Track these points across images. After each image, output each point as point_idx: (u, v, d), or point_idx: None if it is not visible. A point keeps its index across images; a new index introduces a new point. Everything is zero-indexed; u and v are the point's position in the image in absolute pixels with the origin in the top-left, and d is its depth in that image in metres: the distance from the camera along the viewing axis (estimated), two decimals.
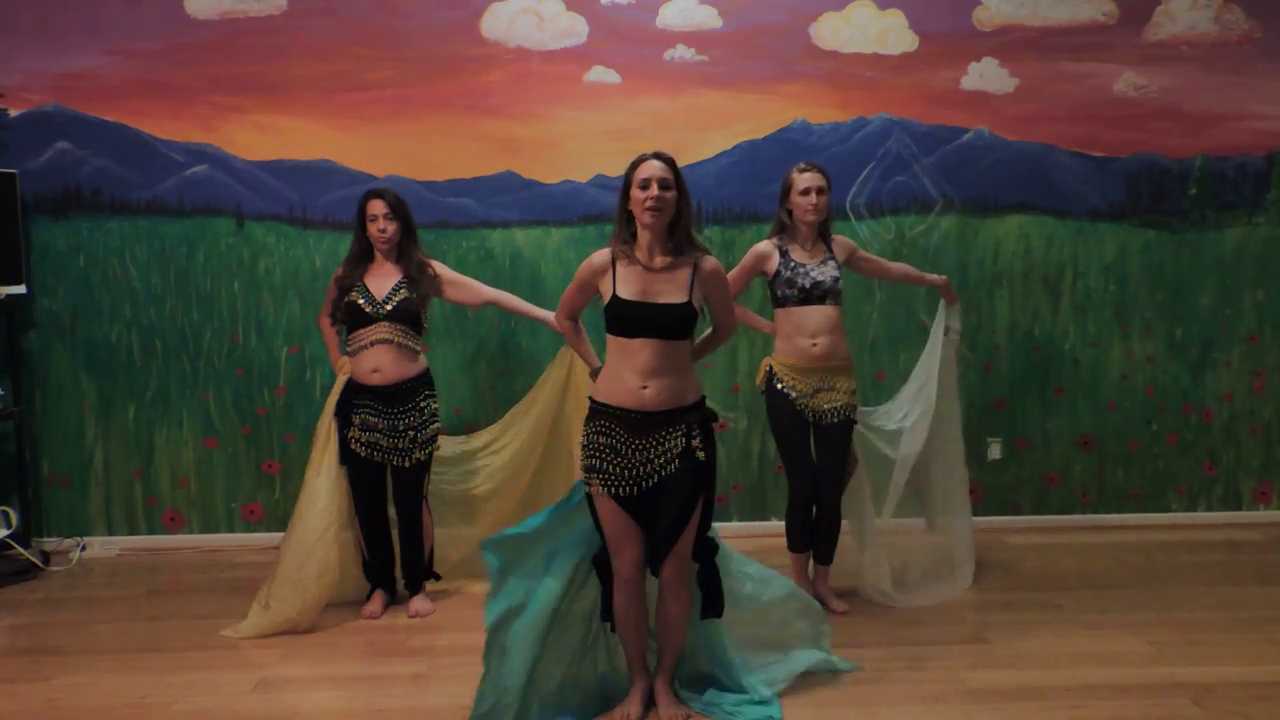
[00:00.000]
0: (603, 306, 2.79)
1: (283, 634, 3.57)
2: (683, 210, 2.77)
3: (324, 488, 3.66)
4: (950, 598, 3.85)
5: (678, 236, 2.78)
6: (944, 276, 3.98)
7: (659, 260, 2.77)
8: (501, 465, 4.00)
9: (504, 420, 4.06)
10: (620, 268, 2.77)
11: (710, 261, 2.81)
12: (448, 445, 3.97)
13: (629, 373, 2.72)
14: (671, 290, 2.75)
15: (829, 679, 3.15)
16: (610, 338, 2.78)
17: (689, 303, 2.74)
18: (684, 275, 2.77)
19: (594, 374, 2.92)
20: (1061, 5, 4.66)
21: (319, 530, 3.61)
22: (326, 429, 3.71)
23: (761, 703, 2.91)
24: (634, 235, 2.78)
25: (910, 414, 3.87)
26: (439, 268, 3.82)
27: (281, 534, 4.54)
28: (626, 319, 2.72)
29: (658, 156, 2.75)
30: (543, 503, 3.78)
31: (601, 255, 2.83)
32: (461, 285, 3.86)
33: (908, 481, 3.83)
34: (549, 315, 3.61)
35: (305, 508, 3.65)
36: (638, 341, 2.71)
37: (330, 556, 3.63)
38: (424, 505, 3.82)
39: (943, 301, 3.99)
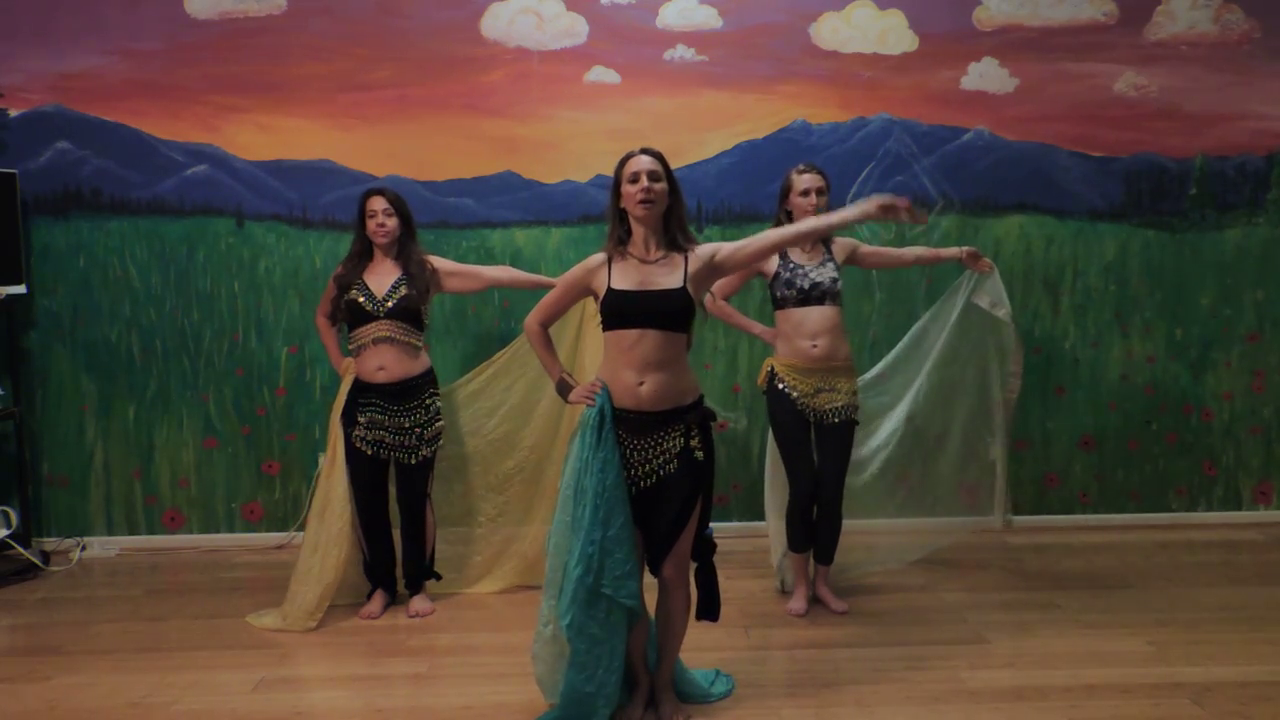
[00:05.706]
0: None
1: (284, 632, 3.59)
2: (675, 203, 2.77)
3: (335, 489, 3.70)
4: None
5: (672, 230, 2.78)
6: (967, 247, 3.93)
7: (655, 253, 2.77)
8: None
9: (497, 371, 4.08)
10: (616, 264, 2.77)
11: (702, 248, 2.79)
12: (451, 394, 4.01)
13: (626, 369, 2.71)
14: (668, 279, 2.74)
15: (829, 678, 3.15)
16: (608, 335, 2.77)
17: (684, 288, 2.72)
18: (679, 265, 2.76)
19: (559, 388, 2.88)
20: (1061, 5, 4.66)
21: (331, 531, 3.67)
22: (336, 431, 3.74)
23: (722, 677, 3.12)
24: (628, 233, 2.78)
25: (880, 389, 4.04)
26: (436, 261, 3.83)
27: (281, 534, 4.62)
28: (624, 308, 2.70)
29: (645, 151, 2.76)
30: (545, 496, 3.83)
31: (597, 256, 2.82)
32: (460, 273, 3.88)
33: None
34: (555, 281, 3.60)
35: (320, 509, 3.70)
36: (635, 333, 2.69)
37: (338, 559, 3.67)
38: (428, 504, 3.83)
39: (970, 273, 3.96)
